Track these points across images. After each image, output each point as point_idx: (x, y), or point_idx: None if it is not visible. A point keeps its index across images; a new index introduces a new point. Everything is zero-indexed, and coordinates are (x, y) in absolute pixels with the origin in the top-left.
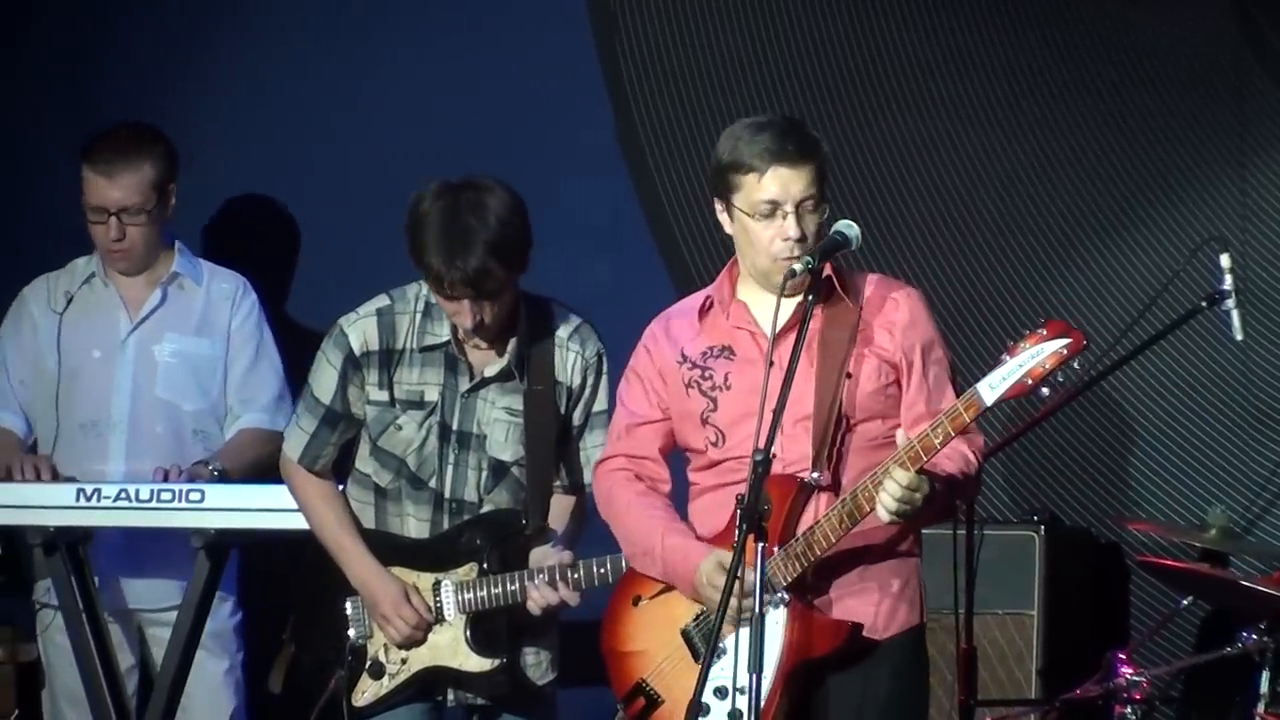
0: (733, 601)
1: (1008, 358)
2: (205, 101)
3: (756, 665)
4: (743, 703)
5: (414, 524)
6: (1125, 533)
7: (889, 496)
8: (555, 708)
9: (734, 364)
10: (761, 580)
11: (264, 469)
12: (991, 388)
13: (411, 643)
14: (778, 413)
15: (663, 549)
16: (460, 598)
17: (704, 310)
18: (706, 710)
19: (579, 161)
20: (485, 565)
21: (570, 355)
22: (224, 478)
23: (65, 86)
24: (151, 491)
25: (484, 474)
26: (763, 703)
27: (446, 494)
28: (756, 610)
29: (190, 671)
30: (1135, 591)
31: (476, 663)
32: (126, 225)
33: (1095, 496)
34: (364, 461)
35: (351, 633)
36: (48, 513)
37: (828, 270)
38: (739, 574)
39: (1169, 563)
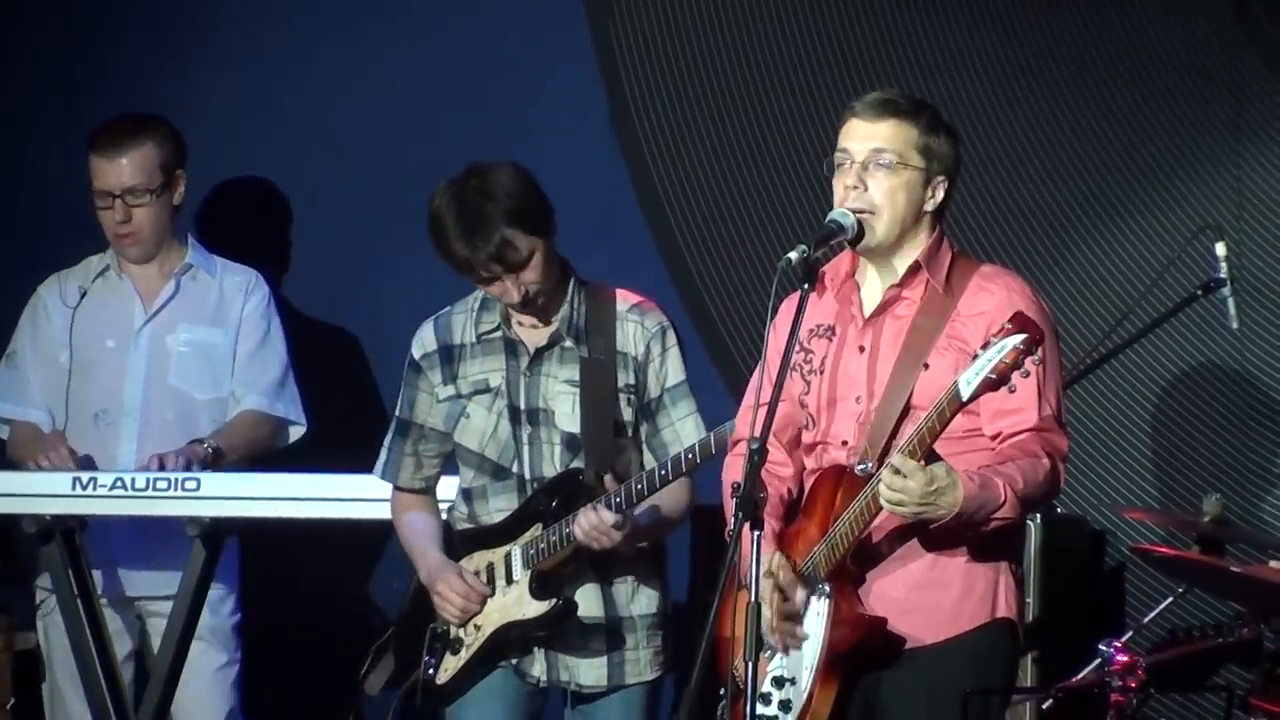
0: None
1: (980, 352)
2: (198, 91)
3: (752, 655)
4: (791, 693)
5: (503, 517)
6: (1121, 521)
7: (883, 485)
8: (656, 702)
9: (832, 345)
10: (757, 569)
11: (259, 451)
12: (967, 383)
13: (467, 614)
14: (766, 400)
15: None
16: (525, 555)
17: (819, 285)
18: (768, 699)
19: (573, 150)
20: (550, 518)
21: (631, 326)
22: (218, 455)
23: (60, 78)
24: (147, 480)
25: (558, 448)
26: (804, 696)
27: (528, 475)
28: (753, 599)
29: (186, 663)
30: (1130, 580)
31: (536, 607)
32: (132, 207)
33: (1090, 484)
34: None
35: (436, 624)
36: (43, 501)
37: (916, 255)
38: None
39: (1164, 550)
